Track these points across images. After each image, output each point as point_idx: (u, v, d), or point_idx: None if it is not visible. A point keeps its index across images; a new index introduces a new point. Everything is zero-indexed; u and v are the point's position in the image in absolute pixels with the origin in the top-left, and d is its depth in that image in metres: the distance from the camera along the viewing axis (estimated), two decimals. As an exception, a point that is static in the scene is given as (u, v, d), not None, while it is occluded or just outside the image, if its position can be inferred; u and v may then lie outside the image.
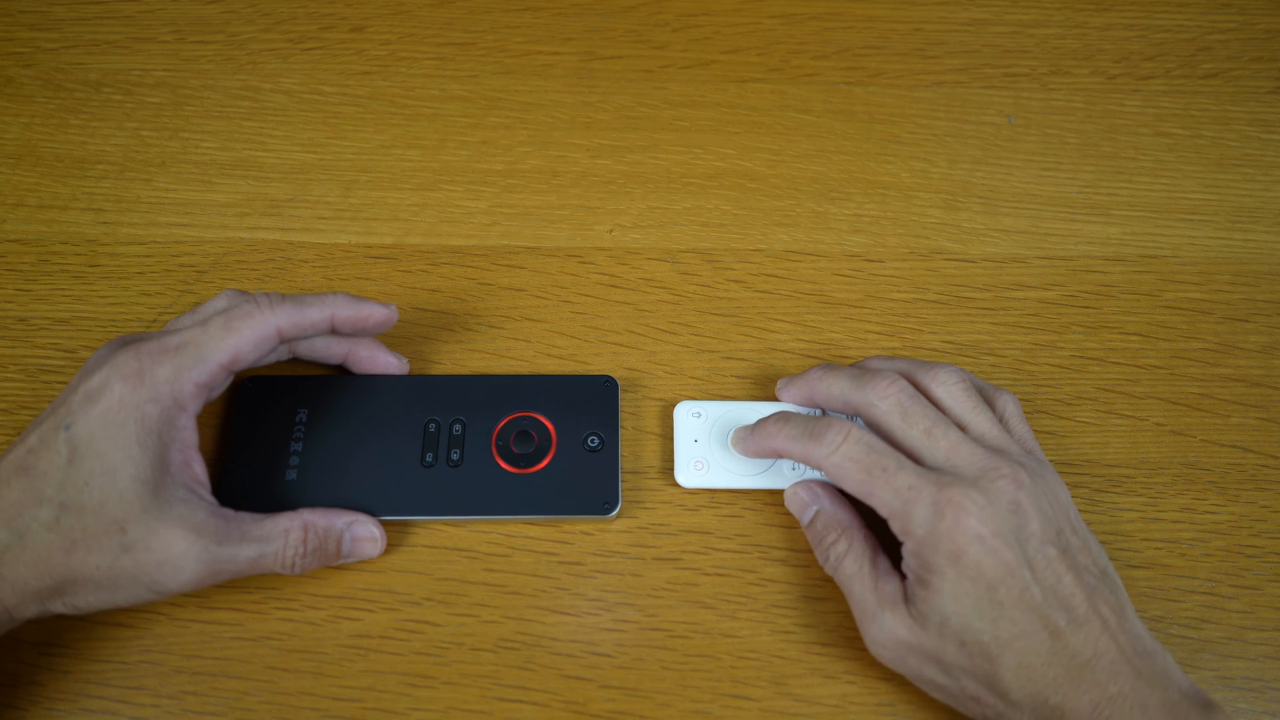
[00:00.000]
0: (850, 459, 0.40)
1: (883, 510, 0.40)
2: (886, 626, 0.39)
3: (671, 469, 0.47)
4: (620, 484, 0.46)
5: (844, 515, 0.43)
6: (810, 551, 0.46)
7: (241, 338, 0.40)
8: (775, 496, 0.47)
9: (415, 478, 0.45)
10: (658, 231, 0.54)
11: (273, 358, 0.46)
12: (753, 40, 0.61)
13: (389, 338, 0.49)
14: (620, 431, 0.47)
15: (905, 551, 0.39)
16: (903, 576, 0.40)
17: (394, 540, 0.45)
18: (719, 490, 0.46)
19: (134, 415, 0.38)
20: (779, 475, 0.46)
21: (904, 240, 0.54)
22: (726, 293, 0.52)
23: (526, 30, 0.61)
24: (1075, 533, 0.39)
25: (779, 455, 0.44)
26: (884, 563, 0.41)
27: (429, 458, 0.45)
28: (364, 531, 0.43)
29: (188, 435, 0.40)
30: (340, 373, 0.48)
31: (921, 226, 0.55)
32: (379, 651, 0.43)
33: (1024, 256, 0.54)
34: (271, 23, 0.60)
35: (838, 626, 0.44)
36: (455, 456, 0.46)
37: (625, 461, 0.48)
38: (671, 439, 0.47)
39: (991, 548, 0.37)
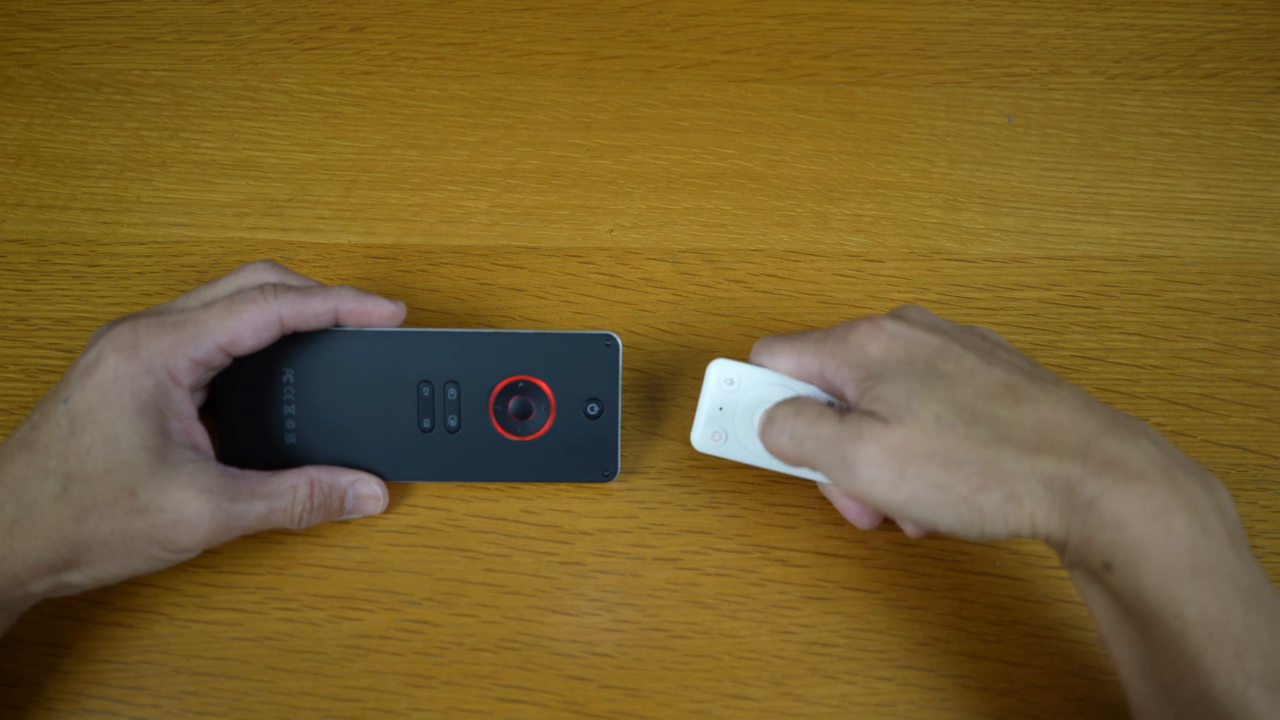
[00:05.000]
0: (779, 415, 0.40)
1: (822, 373, 0.40)
2: (869, 446, 0.36)
3: (676, 423, 0.46)
4: (620, 451, 0.46)
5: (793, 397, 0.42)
6: (811, 552, 0.46)
7: (242, 321, 0.40)
8: (775, 496, 0.47)
9: (414, 444, 0.45)
10: (658, 231, 0.54)
11: None
12: (753, 40, 0.61)
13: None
14: (620, 394, 0.45)
15: (849, 384, 0.39)
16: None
17: (394, 540, 0.45)
18: (731, 463, 0.46)
19: (129, 386, 0.38)
20: None
21: (904, 240, 0.54)
22: (726, 293, 0.52)
23: (526, 30, 0.61)
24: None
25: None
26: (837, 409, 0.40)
27: (426, 423, 0.45)
28: (367, 489, 0.45)
29: (185, 408, 0.40)
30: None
31: (921, 226, 0.55)
32: (379, 651, 0.43)
33: (1024, 256, 0.54)
34: (271, 23, 0.60)
35: (838, 627, 0.44)
36: (453, 423, 0.45)
37: (626, 463, 0.48)
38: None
39: (912, 338, 0.38)
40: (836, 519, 0.46)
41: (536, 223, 0.54)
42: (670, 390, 0.50)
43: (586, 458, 0.45)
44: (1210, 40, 0.61)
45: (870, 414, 0.37)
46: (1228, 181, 0.56)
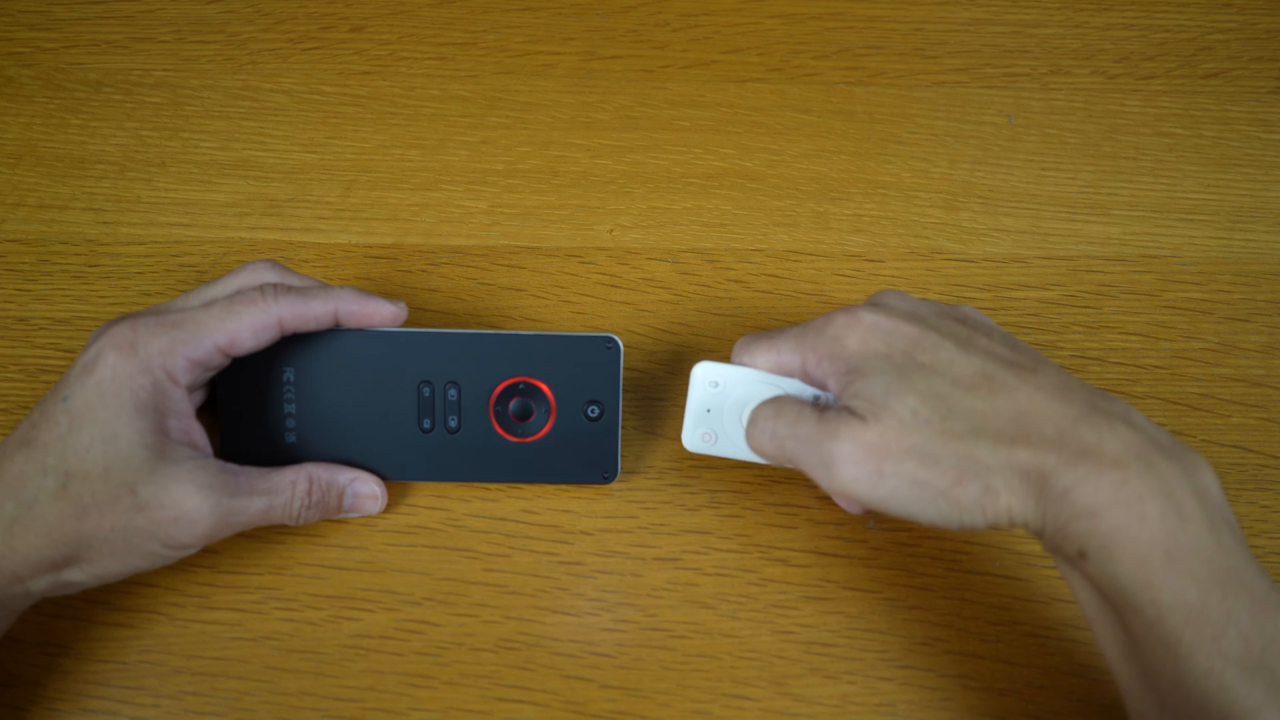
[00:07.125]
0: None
1: (804, 367, 0.40)
2: (846, 445, 0.36)
3: (671, 426, 0.46)
4: (620, 453, 0.46)
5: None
6: (811, 552, 0.46)
7: (241, 323, 0.40)
8: (775, 496, 0.47)
9: (414, 445, 0.45)
10: (658, 231, 0.54)
11: None
12: (753, 40, 0.61)
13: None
14: (621, 397, 0.45)
15: (830, 378, 0.39)
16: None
17: (394, 540, 0.45)
18: (731, 463, 0.46)
19: (128, 385, 0.38)
20: None
21: (904, 240, 0.54)
22: (726, 293, 0.52)
23: (526, 30, 0.61)
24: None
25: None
26: (817, 406, 0.40)
27: (426, 423, 0.45)
28: (365, 488, 0.45)
29: (183, 406, 0.40)
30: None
31: (921, 226, 0.55)
32: (379, 651, 0.43)
33: (1024, 256, 0.54)
34: (271, 23, 0.60)
35: (838, 627, 0.44)
36: (453, 424, 0.45)
37: (626, 463, 0.48)
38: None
39: (889, 329, 0.38)
40: (836, 519, 0.46)
41: (536, 223, 0.54)
42: (670, 390, 0.50)
43: (586, 459, 0.45)
44: (1210, 40, 0.61)
45: (848, 410, 0.37)
46: (1228, 181, 0.56)
